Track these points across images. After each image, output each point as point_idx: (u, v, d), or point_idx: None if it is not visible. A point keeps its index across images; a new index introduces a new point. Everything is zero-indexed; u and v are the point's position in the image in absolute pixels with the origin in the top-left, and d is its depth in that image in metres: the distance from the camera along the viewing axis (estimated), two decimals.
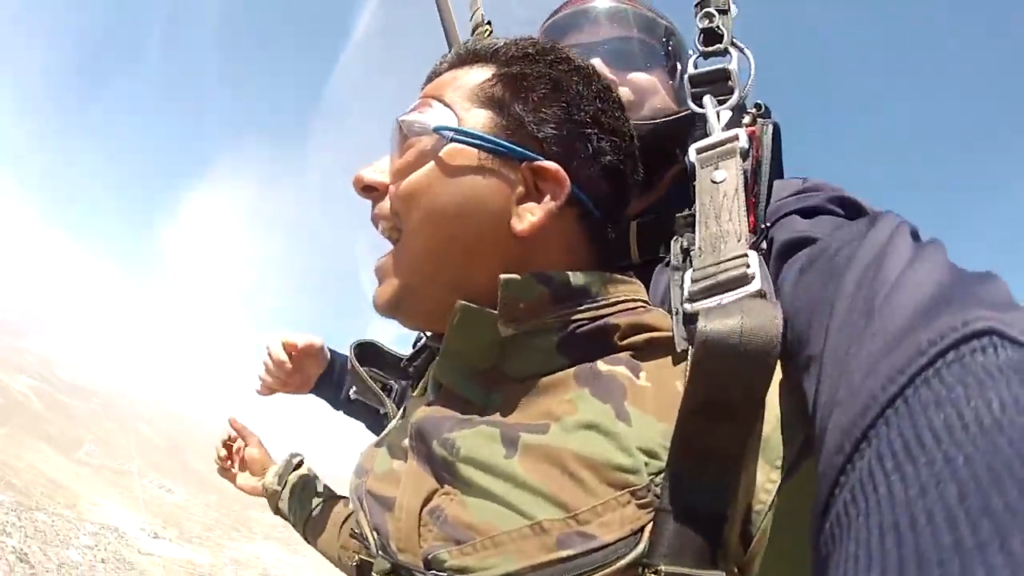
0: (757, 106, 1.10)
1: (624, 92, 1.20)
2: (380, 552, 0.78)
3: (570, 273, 0.80)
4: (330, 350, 1.68)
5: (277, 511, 1.53)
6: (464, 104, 0.85)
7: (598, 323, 0.79)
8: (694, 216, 0.87)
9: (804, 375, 0.59)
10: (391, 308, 0.86)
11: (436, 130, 0.83)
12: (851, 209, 0.94)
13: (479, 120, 0.84)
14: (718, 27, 1.17)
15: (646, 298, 0.88)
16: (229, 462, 1.72)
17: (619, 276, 0.86)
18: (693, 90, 1.14)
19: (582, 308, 0.79)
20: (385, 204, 0.87)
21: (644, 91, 1.25)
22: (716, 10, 1.19)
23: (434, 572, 0.68)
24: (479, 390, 0.81)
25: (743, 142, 0.90)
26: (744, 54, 1.18)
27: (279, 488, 1.51)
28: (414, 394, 1.04)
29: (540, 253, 0.83)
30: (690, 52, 1.25)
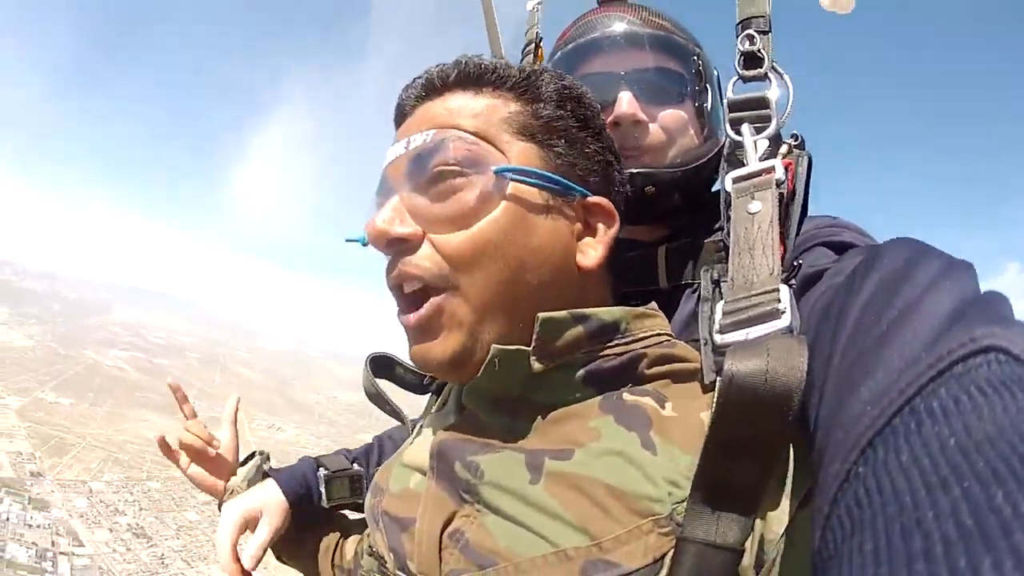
0: (794, 136, 1.09)
1: (655, 132, 1.20)
2: (399, 573, 0.80)
3: (604, 310, 0.82)
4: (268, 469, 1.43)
5: None
6: (504, 138, 0.82)
7: (626, 356, 0.81)
8: (724, 244, 0.89)
9: (812, 389, 0.60)
10: (456, 366, 0.80)
11: (499, 172, 0.79)
12: None
13: (527, 156, 0.83)
14: (759, 51, 1.14)
15: (670, 331, 0.91)
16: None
17: (646, 311, 0.89)
18: (731, 115, 1.10)
19: (612, 344, 0.81)
20: (423, 256, 0.79)
21: (674, 131, 1.22)
22: (757, 31, 1.15)
23: None
24: (504, 416, 0.81)
25: (779, 173, 0.90)
26: (783, 80, 1.14)
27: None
28: (433, 410, 1.06)
29: (592, 285, 0.87)
30: (715, 72, 1.28)
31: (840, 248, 0.94)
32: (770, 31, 1.16)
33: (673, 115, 1.23)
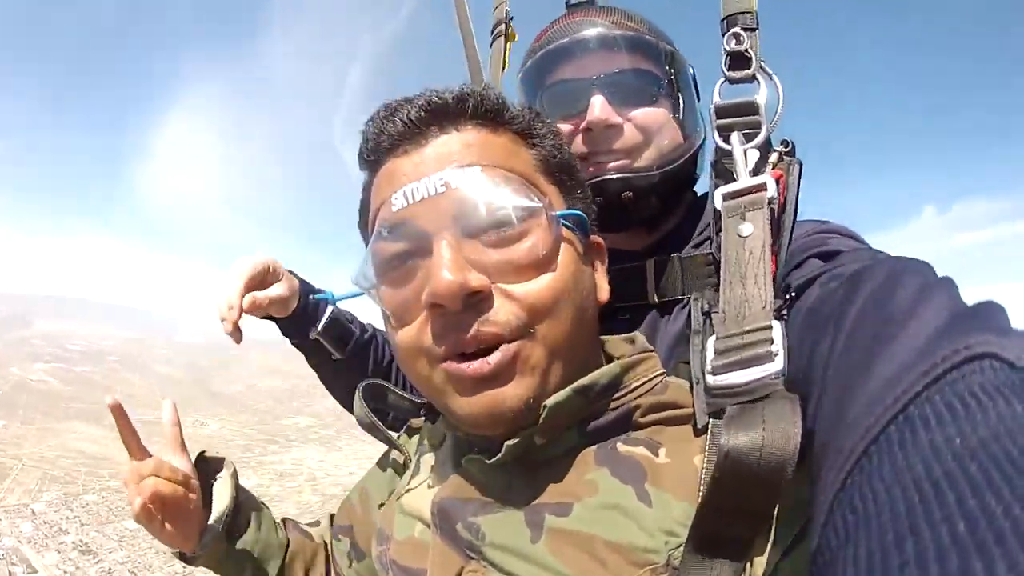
0: (784, 143, 1.05)
1: (631, 134, 1.19)
2: None
3: (602, 374, 0.81)
4: (298, 280, 1.39)
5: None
6: (540, 180, 0.83)
7: (621, 410, 0.82)
8: (715, 258, 0.89)
9: (808, 401, 0.62)
10: (527, 413, 0.76)
11: (560, 216, 0.80)
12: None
13: (558, 199, 0.84)
14: (746, 50, 1.10)
15: (662, 369, 0.89)
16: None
17: (639, 357, 0.87)
18: (719, 121, 1.08)
19: (607, 400, 0.82)
20: (501, 309, 0.74)
21: (650, 131, 1.21)
22: (743, 29, 1.11)
23: None
24: (502, 475, 0.82)
25: (771, 191, 0.88)
26: (773, 81, 1.11)
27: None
28: (426, 450, 1.04)
29: (596, 314, 0.89)
30: (691, 69, 1.31)
31: (831, 257, 0.92)
32: (757, 28, 1.12)
33: (648, 115, 1.21)
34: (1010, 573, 0.30)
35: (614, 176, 1.17)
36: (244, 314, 1.24)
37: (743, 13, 1.13)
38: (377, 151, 0.84)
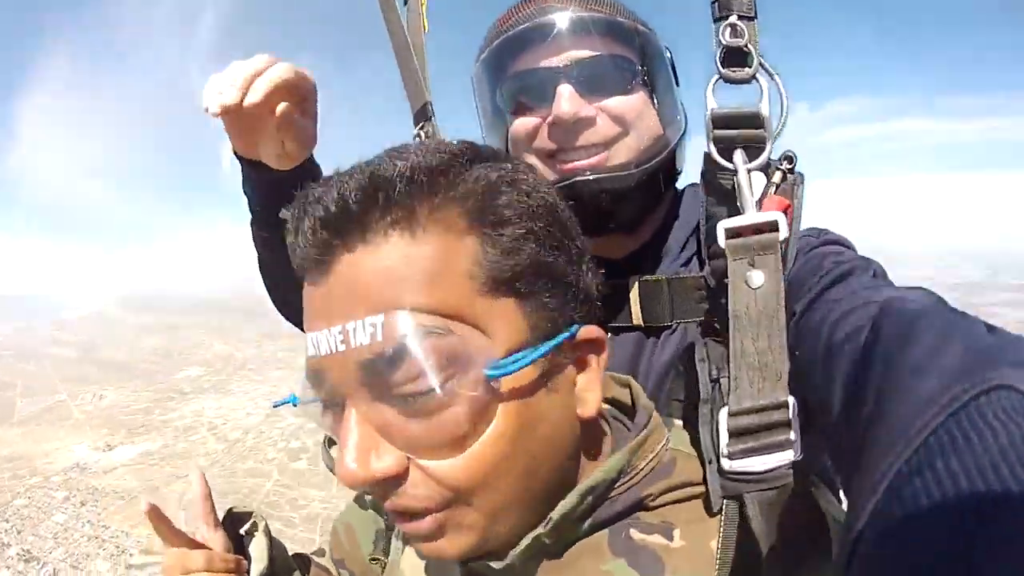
0: (788, 158, 0.89)
1: (605, 126, 1.06)
2: None
3: (609, 468, 0.72)
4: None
5: None
6: (478, 305, 0.60)
7: (630, 495, 0.74)
8: (707, 283, 0.86)
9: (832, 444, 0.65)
10: (470, 558, 0.72)
11: (492, 376, 0.59)
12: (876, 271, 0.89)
13: (509, 319, 0.61)
14: (745, 45, 0.90)
15: (667, 436, 0.79)
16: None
17: (643, 436, 0.76)
18: (717, 132, 0.89)
19: (615, 488, 0.74)
20: (418, 486, 0.62)
21: (626, 121, 1.07)
22: (741, 17, 0.89)
23: None
24: (510, 573, 0.72)
25: (783, 231, 0.77)
26: (775, 82, 0.91)
27: None
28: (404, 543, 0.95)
29: (594, 423, 0.77)
30: (668, 52, 1.15)
31: (838, 281, 0.83)
32: (755, 17, 0.92)
33: (623, 103, 1.07)
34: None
35: (589, 177, 1.03)
36: (252, 113, 0.96)
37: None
38: (300, 269, 0.67)
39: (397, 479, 0.62)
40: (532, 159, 1.10)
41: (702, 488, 0.75)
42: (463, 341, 0.58)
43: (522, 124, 1.10)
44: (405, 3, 1.36)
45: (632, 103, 1.08)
